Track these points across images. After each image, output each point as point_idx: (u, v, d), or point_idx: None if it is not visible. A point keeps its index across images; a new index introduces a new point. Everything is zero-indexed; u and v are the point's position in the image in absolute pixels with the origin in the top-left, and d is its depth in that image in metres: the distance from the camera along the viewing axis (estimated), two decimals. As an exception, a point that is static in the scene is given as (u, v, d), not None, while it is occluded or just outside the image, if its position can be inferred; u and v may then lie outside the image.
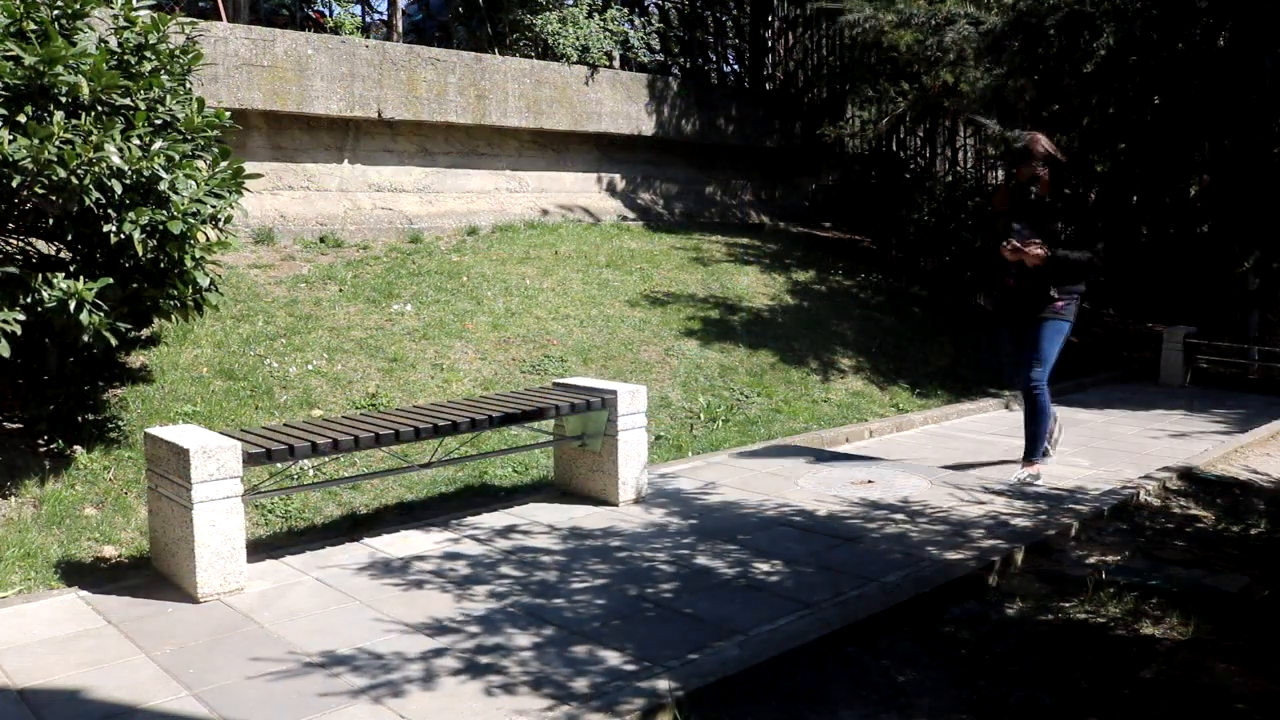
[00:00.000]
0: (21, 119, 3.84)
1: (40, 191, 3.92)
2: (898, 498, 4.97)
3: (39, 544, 3.97)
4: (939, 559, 4.03)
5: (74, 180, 3.82)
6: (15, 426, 4.57)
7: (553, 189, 9.82)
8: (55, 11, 4.17)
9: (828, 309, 8.72)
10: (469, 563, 3.98)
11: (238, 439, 3.77)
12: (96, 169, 3.85)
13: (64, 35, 4.14)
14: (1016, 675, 3.08)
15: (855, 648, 3.26)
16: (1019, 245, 5.05)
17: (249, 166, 4.75)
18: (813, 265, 9.82)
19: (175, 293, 4.41)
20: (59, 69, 3.88)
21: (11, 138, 3.75)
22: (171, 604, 3.55)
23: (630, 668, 3.04)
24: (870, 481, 5.28)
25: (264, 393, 5.33)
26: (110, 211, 4.04)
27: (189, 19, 5.30)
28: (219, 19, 8.32)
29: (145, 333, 5.34)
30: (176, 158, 4.18)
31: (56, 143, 3.77)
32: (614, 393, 4.72)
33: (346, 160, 8.32)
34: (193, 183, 4.23)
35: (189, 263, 4.31)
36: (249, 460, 3.66)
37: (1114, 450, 6.22)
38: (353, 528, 4.46)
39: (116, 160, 3.89)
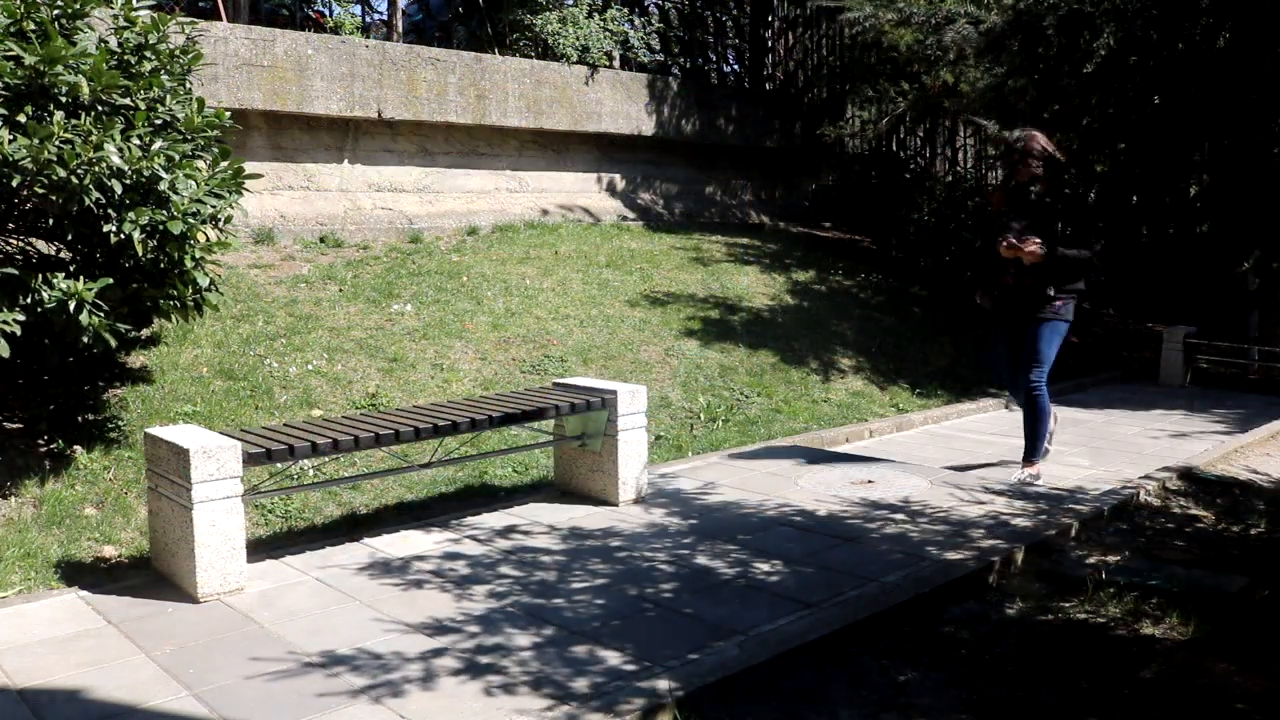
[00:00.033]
0: (21, 119, 3.84)
1: (40, 191, 3.92)
2: (898, 498, 4.97)
3: (39, 544, 3.97)
4: (939, 559, 4.03)
5: (74, 180, 3.82)
6: (15, 426, 4.57)
7: (553, 189, 9.82)
8: (55, 11, 4.17)
9: (828, 309, 8.72)
10: (469, 563, 3.98)
11: (238, 439, 3.77)
12: (96, 169, 3.85)
13: (64, 35, 4.14)
14: (1016, 675, 3.08)
15: (855, 648, 3.26)
16: (1015, 241, 5.03)
17: (249, 166, 4.75)
18: (813, 265, 9.82)
19: (175, 293, 4.41)
20: (59, 69, 3.88)
21: (11, 137, 3.75)
22: (171, 604, 3.55)
23: (630, 668, 3.04)
24: (870, 481, 5.28)
25: (264, 393, 5.33)
26: (110, 211, 4.04)
27: (189, 19, 5.30)
28: (219, 19, 8.32)
29: (145, 333, 5.34)
30: (176, 158, 4.18)
31: (56, 142, 3.77)
32: (614, 393, 4.72)
33: (346, 160, 8.33)
34: (193, 183, 4.22)
35: (189, 263, 4.31)
36: (249, 460, 3.66)
37: (1114, 450, 6.23)
38: (353, 528, 4.46)
39: (116, 160, 3.89)
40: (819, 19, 12.53)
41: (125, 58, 4.40)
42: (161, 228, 4.11)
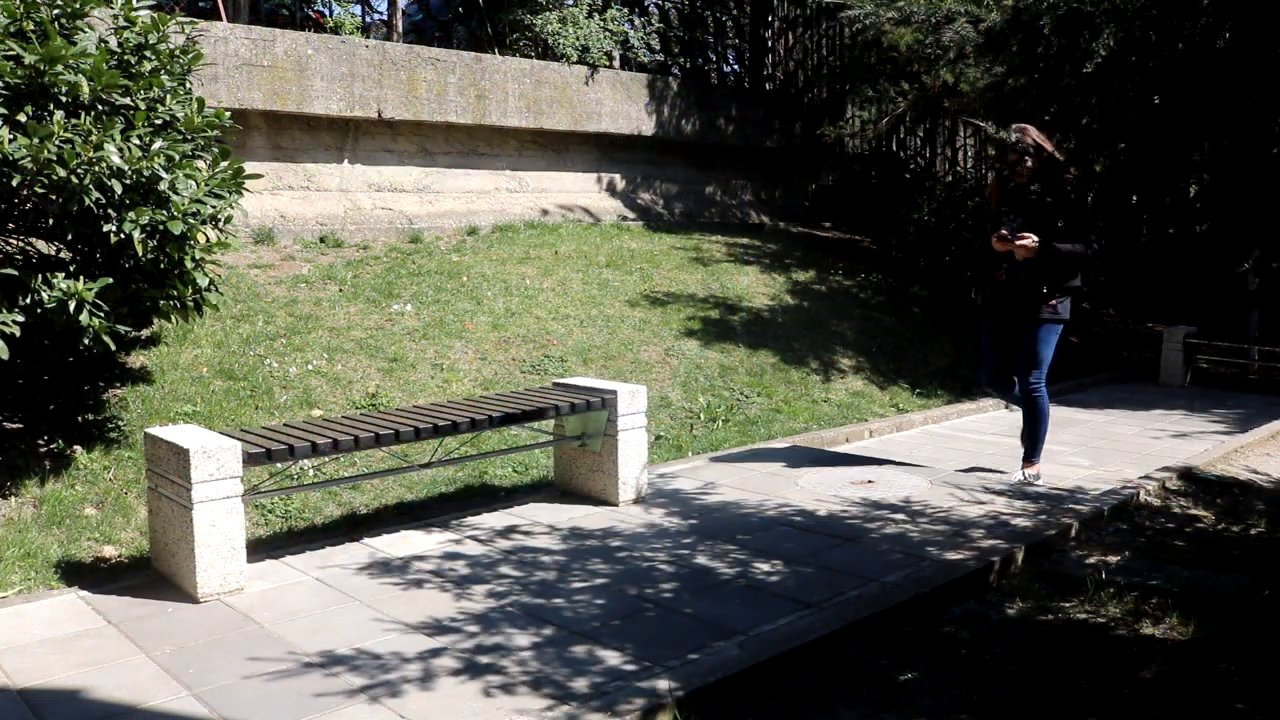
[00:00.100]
0: (21, 118, 3.84)
1: (40, 191, 3.91)
2: (898, 498, 4.97)
3: (39, 544, 3.97)
4: (939, 559, 4.03)
5: (74, 180, 3.82)
6: (15, 426, 4.57)
7: (553, 189, 9.82)
8: (55, 11, 4.17)
9: (828, 309, 8.72)
10: (469, 563, 3.98)
11: (238, 439, 3.77)
12: (96, 168, 3.85)
13: (63, 35, 4.14)
14: (1016, 675, 3.08)
15: (855, 648, 3.26)
16: (1007, 235, 4.98)
17: (249, 166, 4.75)
18: (813, 265, 9.82)
19: (175, 293, 4.41)
20: (59, 68, 3.88)
21: (11, 137, 3.75)
22: (171, 604, 3.55)
23: (630, 668, 3.04)
24: (870, 481, 5.28)
25: (264, 393, 5.33)
26: (110, 211, 4.04)
27: (189, 19, 5.30)
28: (219, 19, 8.32)
29: (145, 333, 5.34)
30: (176, 158, 4.18)
31: (56, 142, 3.77)
32: (614, 393, 4.72)
33: (346, 160, 8.33)
34: (193, 183, 4.22)
35: (189, 263, 4.30)
36: (249, 460, 3.66)
37: (1114, 450, 6.22)
38: (353, 528, 4.46)
39: (116, 160, 3.89)
40: (819, 19, 12.53)
41: (125, 57, 4.40)
42: (162, 228, 4.11)
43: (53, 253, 4.57)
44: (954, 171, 12.47)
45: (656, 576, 3.84)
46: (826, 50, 12.83)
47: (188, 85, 4.67)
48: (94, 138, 3.85)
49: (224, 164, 4.49)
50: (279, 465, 4.15)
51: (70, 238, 4.20)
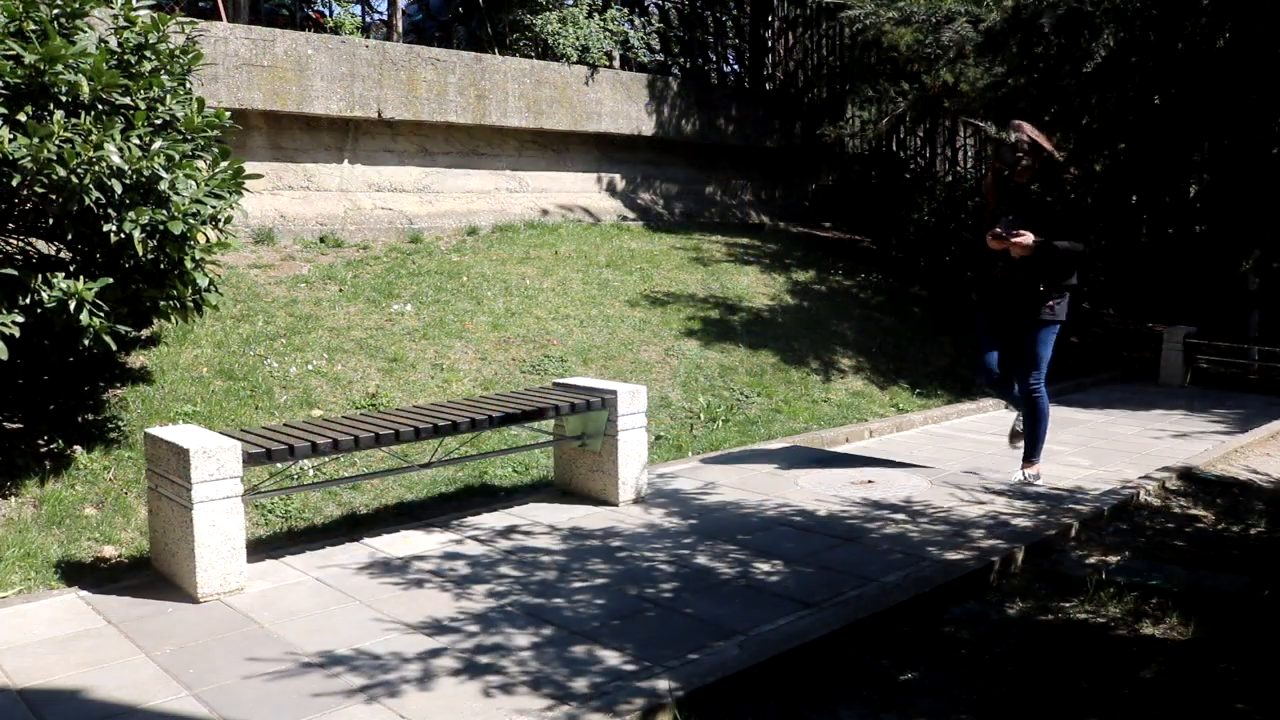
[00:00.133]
0: (21, 118, 3.84)
1: (40, 190, 3.91)
2: (898, 498, 4.97)
3: (39, 544, 3.97)
4: (939, 559, 4.03)
5: (74, 179, 3.82)
6: (15, 426, 4.57)
7: (553, 189, 9.82)
8: (55, 11, 4.17)
9: (828, 309, 8.72)
10: (469, 563, 3.98)
11: (238, 439, 3.77)
12: (96, 168, 3.85)
13: (63, 34, 4.14)
14: (1017, 675, 3.08)
15: (855, 648, 3.26)
16: (1002, 233, 4.91)
17: (249, 166, 4.75)
18: (813, 265, 9.82)
19: (175, 293, 4.41)
20: (59, 68, 3.88)
21: (11, 136, 3.75)
22: (171, 604, 3.55)
23: (630, 668, 3.04)
24: (870, 481, 5.28)
25: (264, 393, 5.33)
26: (110, 211, 4.04)
27: (189, 19, 5.30)
28: (219, 19, 8.32)
29: (145, 333, 5.34)
30: (176, 157, 4.18)
31: (56, 141, 3.77)
32: (614, 393, 4.72)
33: (346, 160, 8.33)
34: (193, 183, 4.22)
35: (189, 263, 4.30)
36: (249, 460, 3.66)
37: (1114, 450, 6.22)
38: (353, 528, 4.46)
39: (116, 159, 3.88)
40: (819, 19, 12.53)
41: (125, 57, 4.40)
42: (162, 228, 4.11)
43: (53, 253, 4.57)
44: (954, 171, 12.48)
45: (656, 576, 3.84)
46: (826, 50, 12.83)
47: (188, 85, 4.67)
48: (94, 137, 3.85)
49: (224, 164, 4.49)
50: (279, 465, 4.15)
51: (70, 237, 4.20)
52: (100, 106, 4.14)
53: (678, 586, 3.73)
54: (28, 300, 3.95)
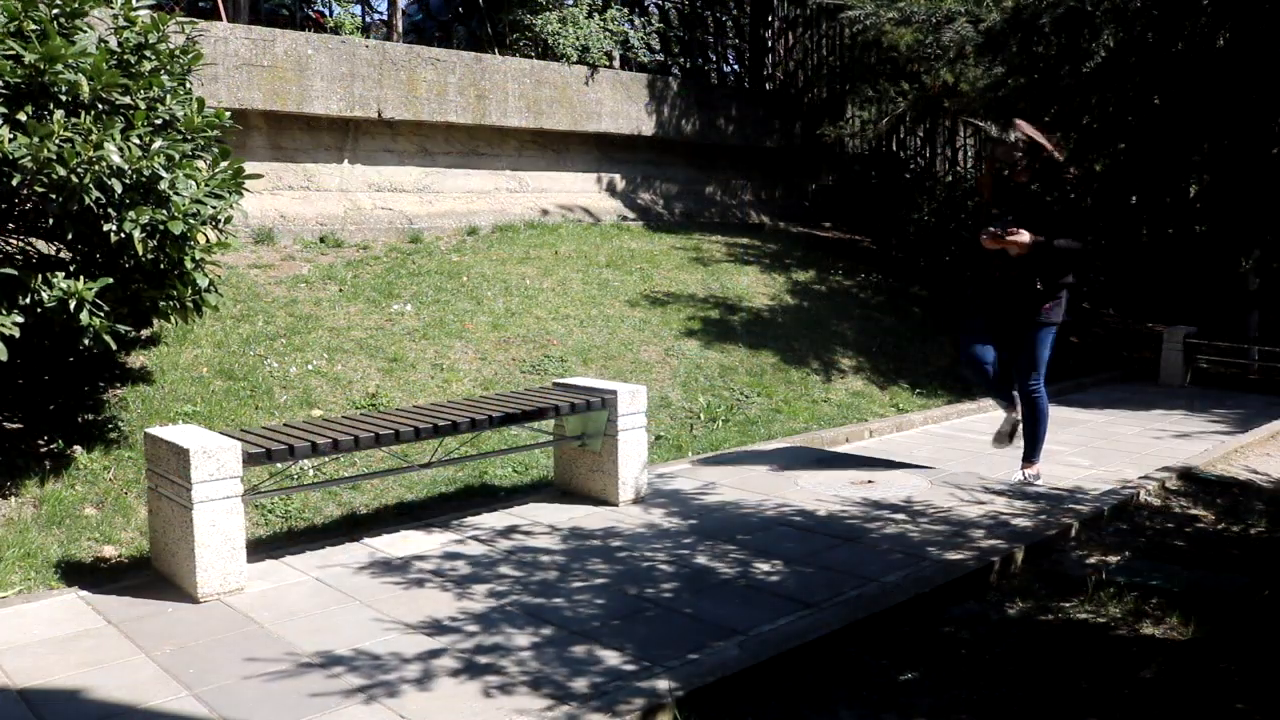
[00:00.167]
0: (21, 117, 3.84)
1: (40, 190, 3.91)
2: (898, 498, 4.97)
3: (39, 544, 3.97)
4: (939, 559, 4.02)
5: (74, 179, 3.82)
6: (15, 426, 4.57)
7: (553, 189, 9.82)
8: (54, 11, 4.17)
9: (828, 309, 8.72)
10: (469, 563, 3.98)
11: (238, 439, 3.76)
12: (96, 168, 3.85)
13: (63, 34, 4.14)
14: (1017, 675, 3.08)
15: (855, 648, 3.25)
16: (998, 232, 4.85)
17: (249, 166, 4.75)
18: (813, 265, 9.82)
19: (175, 293, 4.41)
20: (59, 67, 3.88)
21: (12, 136, 3.75)
22: (171, 604, 3.55)
23: (630, 668, 3.04)
24: (870, 481, 5.28)
25: (264, 393, 5.33)
26: (110, 211, 4.04)
27: (189, 19, 5.30)
28: (219, 19, 8.32)
29: (145, 333, 5.34)
30: (176, 157, 4.18)
31: (56, 141, 3.77)
32: (614, 393, 4.72)
33: (346, 160, 8.32)
34: (193, 183, 4.22)
35: (189, 263, 4.30)
36: (249, 460, 3.66)
37: (1114, 450, 6.22)
38: (353, 528, 4.46)
39: (116, 159, 3.88)
40: (819, 19, 12.53)
41: (125, 57, 4.40)
42: (162, 227, 4.11)
43: (53, 252, 4.57)
44: (954, 171, 12.48)
45: (656, 576, 3.84)
46: (826, 50, 12.83)
47: (188, 85, 4.67)
48: (94, 137, 3.85)
49: (224, 164, 4.49)
50: (279, 465, 4.15)
51: (70, 237, 4.20)
52: (100, 106, 4.14)
53: (678, 586, 3.73)
54: (28, 300, 3.95)
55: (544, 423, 4.82)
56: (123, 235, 4.05)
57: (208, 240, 4.39)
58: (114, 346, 4.26)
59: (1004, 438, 5.42)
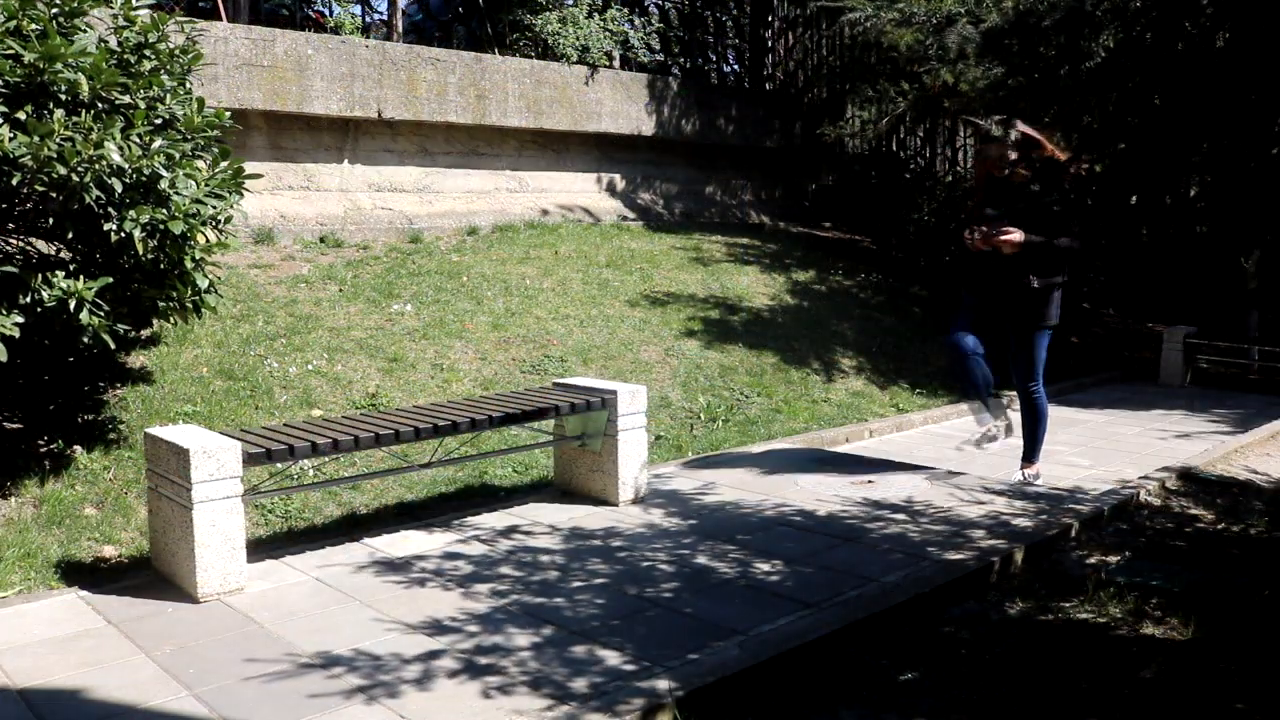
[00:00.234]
0: (21, 116, 3.84)
1: (40, 189, 3.91)
2: (898, 497, 4.97)
3: (39, 544, 3.96)
4: (939, 559, 4.02)
5: (74, 178, 3.82)
6: (15, 426, 4.57)
7: (553, 189, 9.82)
8: (54, 10, 4.17)
9: (828, 309, 8.72)
10: (469, 563, 3.98)
11: (238, 439, 3.76)
12: (96, 167, 3.85)
13: (62, 33, 4.14)
14: (1017, 675, 3.08)
15: (855, 648, 3.25)
16: (987, 232, 4.81)
17: (249, 166, 4.75)
18: (813, 265, 9.82)
19: (175, 294, 4.41)
20: (59, 66, 3.88)
21: (11, 135, 3.75)
22: (171, 604, 3.55)
23: (630, 668, 3.03)
24: (870, 481, 5.28)
25: (264, 393, 5.33)
26: (110, 210, 4.04)
27: (189, 18, 5.29)
28: (219, 19, 8.32)
29: (145, 333, 5.34)
30: (176, 157, 4.18)
31: (56, 140, 3.77)
32: (614, 393, 4.72)
33: (346, 160, 8.32)
34: (193, 182, 4.22)
35: (189, 264, 4.30)
36: (249, 460, 3.66)
37: (1114, 450, 6.22)
38: (353, 528, 4.46)
39: (116, 158, 3.88)
40: (819, 19, 12.52)
41: (125, 56, 4.40)
42: (162, 227, 4.11)
43: (53, 252, 4.56)
44: (954, 171, 12.48)
45: (656, 576, 3.84)
46: (826, 50, 12.83)
47: (188, 85, 4.67)
48: (94, 136, 3.85)
49: (224, 164, 4.49)
50: (279, 465, 4.15)
51: (70, 237, 4.20)
52: (100, 105, 4.14)
53: (678, 586, 3.73)
54: (28, 300, 3.95)
55: (544, 423, 4.82)
56: (123, 235, 4.04)
57: (208, 240, 4.39)
58: (114, 346, 4.26)
59: (988, 439, 5.38)
